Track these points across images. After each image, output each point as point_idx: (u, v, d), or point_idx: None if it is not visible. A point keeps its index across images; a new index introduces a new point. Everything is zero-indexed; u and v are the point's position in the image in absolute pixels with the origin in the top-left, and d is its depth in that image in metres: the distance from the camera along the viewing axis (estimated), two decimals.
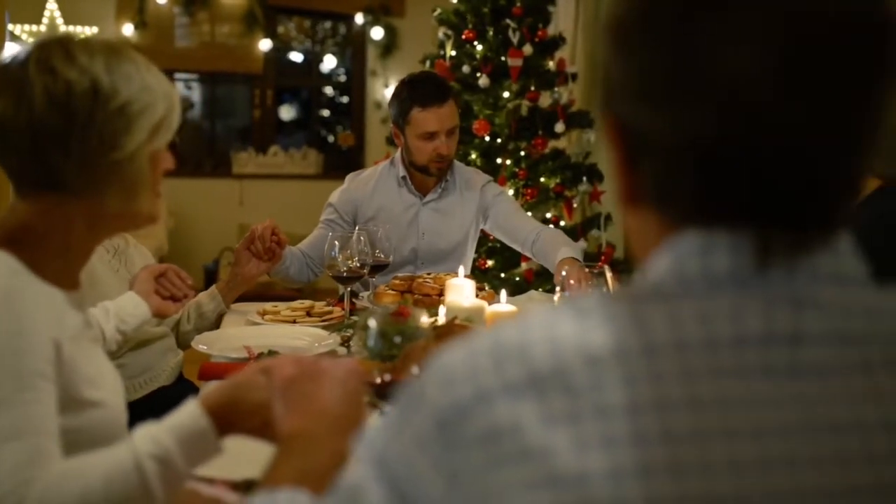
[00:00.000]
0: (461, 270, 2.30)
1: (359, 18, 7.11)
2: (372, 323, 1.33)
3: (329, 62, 7.65)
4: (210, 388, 1.07)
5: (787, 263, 0.59)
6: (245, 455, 1.14)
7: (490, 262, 4.07)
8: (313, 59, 7.67)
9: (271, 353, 1.94)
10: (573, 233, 4.14)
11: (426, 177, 2.90)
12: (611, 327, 0.57)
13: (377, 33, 7.07)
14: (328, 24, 7.60)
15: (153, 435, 1.04)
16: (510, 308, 2.08)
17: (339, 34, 7.63)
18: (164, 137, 1.22)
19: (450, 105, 2.79)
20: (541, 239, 2.75)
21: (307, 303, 2.53)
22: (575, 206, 4.29)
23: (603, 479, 0.53)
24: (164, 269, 2.03)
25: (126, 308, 1.87)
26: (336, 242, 2.33)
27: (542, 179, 4.15)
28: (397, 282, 2.49)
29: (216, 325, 2.44)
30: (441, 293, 2.37)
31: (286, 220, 3.64)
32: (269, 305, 2.52)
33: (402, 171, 2.92)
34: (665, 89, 0.59)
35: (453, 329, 1.68)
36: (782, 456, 0.55)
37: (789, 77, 0.56)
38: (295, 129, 7.97)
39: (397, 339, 1.34)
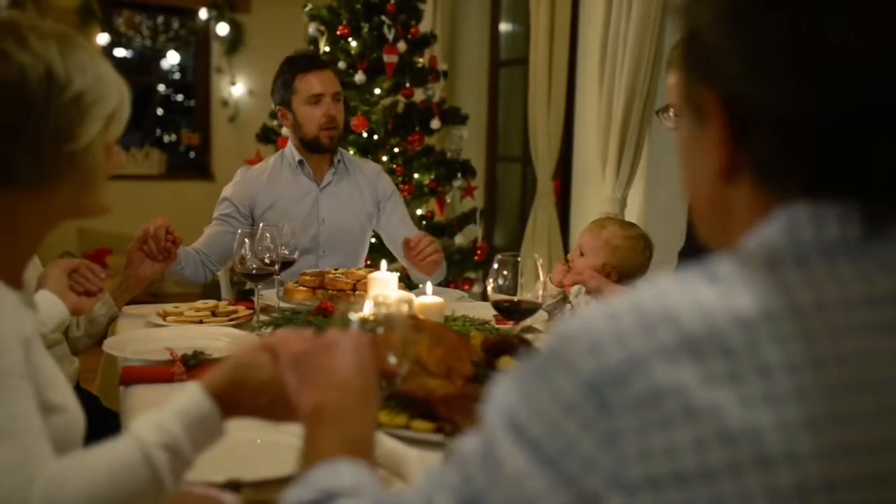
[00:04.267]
0: (383, 263, 2.28)
1: (203, 14, 6.89)
2: (353, 316, 1.29)
3: (172, 58, 7.35)
4: (210, 371, 1.03)
5: (886, 232, 0.64)
6: (219, 457, 1.11)
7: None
8: (153, 56, 7.35)
9: (196, 353, 1.85)
10: (449, 228, 4.19)
11: (320, 155, 2.88)
12: (753, 291, 0.61)
13: (222, 29, 6.87)
14: (167, 19, 7.30)
15: (158, 423, 0.99)
16: (437, 300, 2.07)
17: (173, 28, 7.33)
18: (117, 130, 1.19)
19: (330, 72, 2.88)
20: None
21: (210, 302, 2.44)
22: (449, 201, 4.33)
23: (775, 433, 0.57)
24: (76, 264, 1.95)
25: (42, 309, 1.75)
26: (246, 240, 2.25)
27: (417, 176, 4.17)
28: (307, 278, 2.43)
29: (107, 329, 2.30)
30: (354, 288, 2.34)
31: (130, 222, 3.48)
32: (169, 307, 2.40)
33: (297, 157, 2.89)
34: (784, 65, 0.63)
35: (422, 323, 1.65)
36: None
37: None
38: (129, 128, 7.60)
39: (380, 331, 1.31)
